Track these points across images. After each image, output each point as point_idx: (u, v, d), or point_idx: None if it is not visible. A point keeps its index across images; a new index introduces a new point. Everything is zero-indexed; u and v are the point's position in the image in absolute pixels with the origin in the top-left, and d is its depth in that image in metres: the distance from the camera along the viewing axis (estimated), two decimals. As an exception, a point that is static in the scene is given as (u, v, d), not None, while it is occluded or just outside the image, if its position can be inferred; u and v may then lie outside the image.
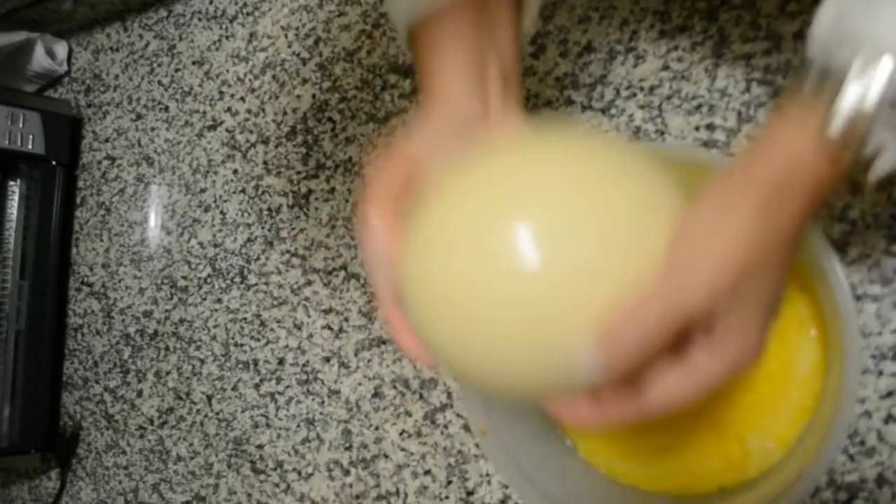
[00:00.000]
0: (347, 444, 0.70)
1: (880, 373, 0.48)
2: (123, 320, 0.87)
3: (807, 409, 0.48)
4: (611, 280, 0.32)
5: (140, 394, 0.85)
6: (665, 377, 0.33)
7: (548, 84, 0.60)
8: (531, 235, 0.32)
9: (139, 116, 0.88)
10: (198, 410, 0.80)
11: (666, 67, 0.56)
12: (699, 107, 0.54)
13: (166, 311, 0.84)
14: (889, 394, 0.47)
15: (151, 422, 0.84)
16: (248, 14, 0.79)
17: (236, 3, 0.81)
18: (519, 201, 0.33)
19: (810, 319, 0.47)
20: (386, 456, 0.67)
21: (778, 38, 0.52)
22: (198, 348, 0.81)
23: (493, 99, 0.41)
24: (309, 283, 0.73)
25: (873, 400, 0.48)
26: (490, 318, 0.32)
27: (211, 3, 0.83)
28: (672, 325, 0.32)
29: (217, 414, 0.79)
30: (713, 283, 0.31)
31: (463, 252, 0.33)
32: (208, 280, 0.81)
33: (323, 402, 0.72)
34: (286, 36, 0.76)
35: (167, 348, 0.83)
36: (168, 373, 0.83)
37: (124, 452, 0.86)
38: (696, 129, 0.54)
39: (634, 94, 0.57)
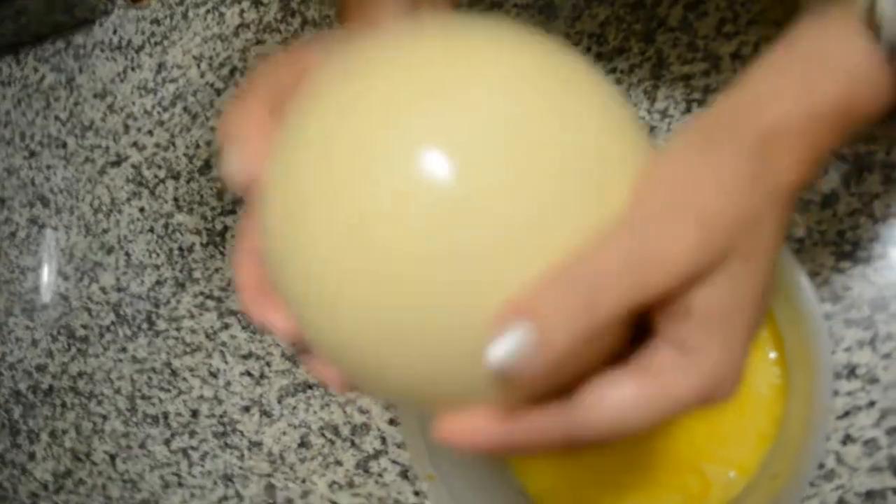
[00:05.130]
0: (271, 501, 0.64)
1: (836, 392, 0.46)
2: (13, 376, 0.79)
3: (766, 436, 0.46)
4: (555, 235, 0.23)
5: (32, 457, 0.77)
6: (614, 383, 0.25)
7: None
8: (447, 164, 0.23)
9: (33, 154, 0.81)
10: (99, 472, 0.73)
11: (604, 90, 0.55)
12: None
13: (63, 363, 0.76)
14: (846, 413, 0.46)
15: (45, 487, 0.75)
16: (156, 44, 0.75)
17: (143, 33, 0.76)
18: (434, 112, 0.24)
19: (768, 341, 0.46)
20: (314, 511, 0.62)
21: (716, 58, 0.52)
22: (99, 403, 0.73)
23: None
24: (226, 326, 0.68)
25: (830, 421, 0.46)
26: (383, 271, 0.23)
27: (115, 33, 0.78)
28: (631, 303, 0.23)
29: (122, 475, 0.71)
30: (690, 250, 0.23)
31: (352, 176, 0.24)
32: (111, 328, 0.74)
33: (242, 456, 0.66)
34: (199, 66, 0.72)
35: (64, 405, 0.75)
36: (65, 432, 0.75)
37: (13, 525, 0.77)
38: (637, 151, 0.53)
39: (572, 118, 0.55)
